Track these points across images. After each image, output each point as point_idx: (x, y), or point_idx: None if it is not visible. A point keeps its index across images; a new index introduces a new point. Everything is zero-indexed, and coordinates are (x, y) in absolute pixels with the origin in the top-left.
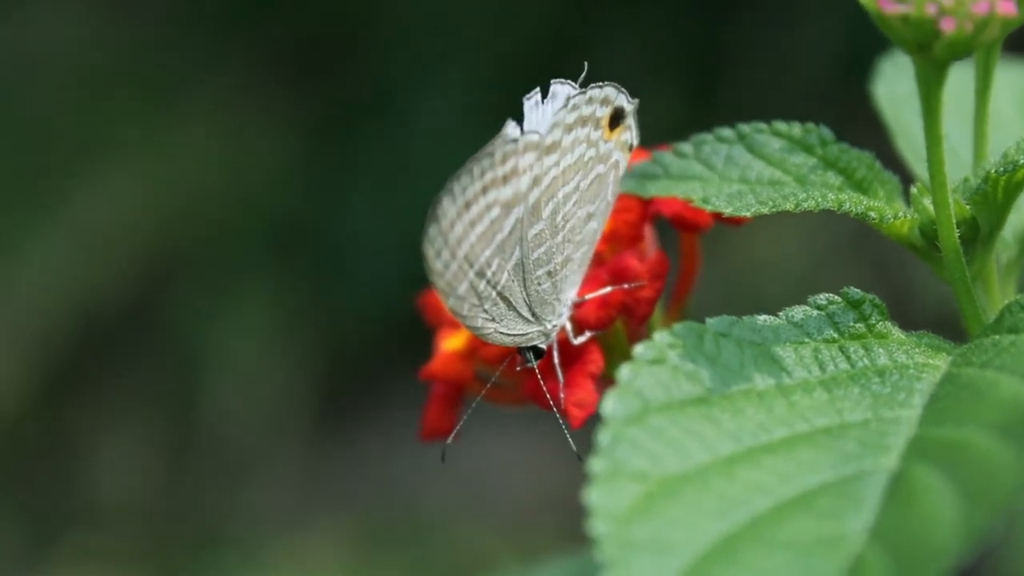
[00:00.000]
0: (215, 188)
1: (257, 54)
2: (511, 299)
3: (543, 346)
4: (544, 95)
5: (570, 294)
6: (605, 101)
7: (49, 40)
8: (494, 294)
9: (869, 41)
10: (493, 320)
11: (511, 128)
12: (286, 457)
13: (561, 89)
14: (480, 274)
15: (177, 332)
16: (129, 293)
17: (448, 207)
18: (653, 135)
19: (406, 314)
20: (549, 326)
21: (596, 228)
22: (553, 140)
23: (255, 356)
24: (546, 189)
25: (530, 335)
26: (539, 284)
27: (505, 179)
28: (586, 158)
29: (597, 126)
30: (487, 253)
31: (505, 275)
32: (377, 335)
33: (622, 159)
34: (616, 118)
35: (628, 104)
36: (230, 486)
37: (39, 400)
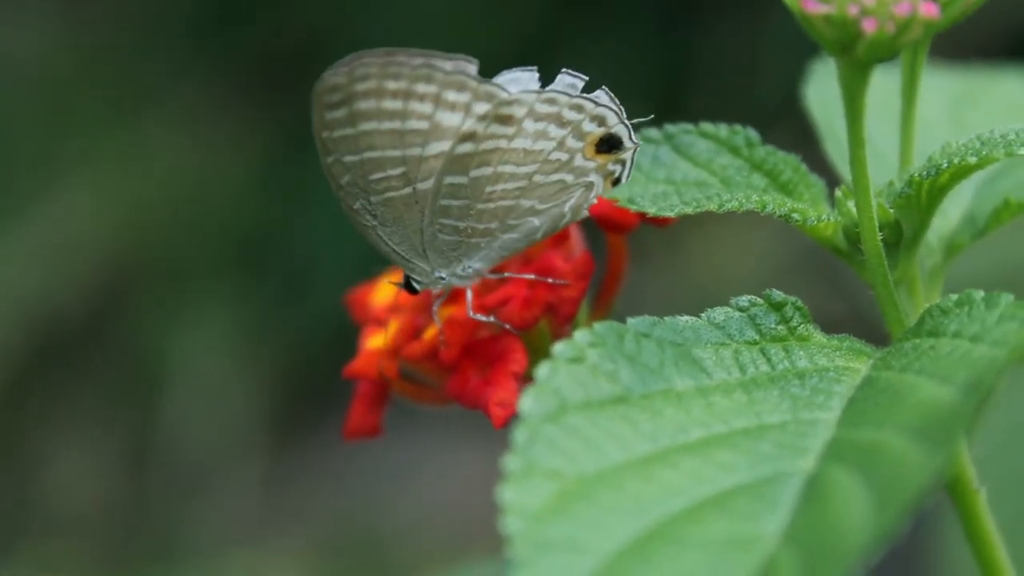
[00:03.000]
0: (177, 200)
1: (222, 66)
2: (400, 217)
3: (417, 286)
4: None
5: (474, 264)
6: (598, 119)
7: (9, 47)
8: (379, 199)
9: None
10: (376, 219)
11: (474, 67)
12: (244, 470)
13: (563, 79)
14: (370, 165)
15: (135, 344)
16: (88, 305)
17: (371, 69)
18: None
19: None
20: (433, 274)
21: (537, 225)
22: (512, 113)
23: (214, 369)
24: (481, 152)
25: (411, 265)
26: (440, 231)
27: (438, 100)
28: (550, 157)
29: (579, 137)
30: (389, 153)
31: (399, 192)
32: (337, 349)
33: (599, 184)
34: (608, 144)
35: (629, 142)
36: (187, 498)
37: None
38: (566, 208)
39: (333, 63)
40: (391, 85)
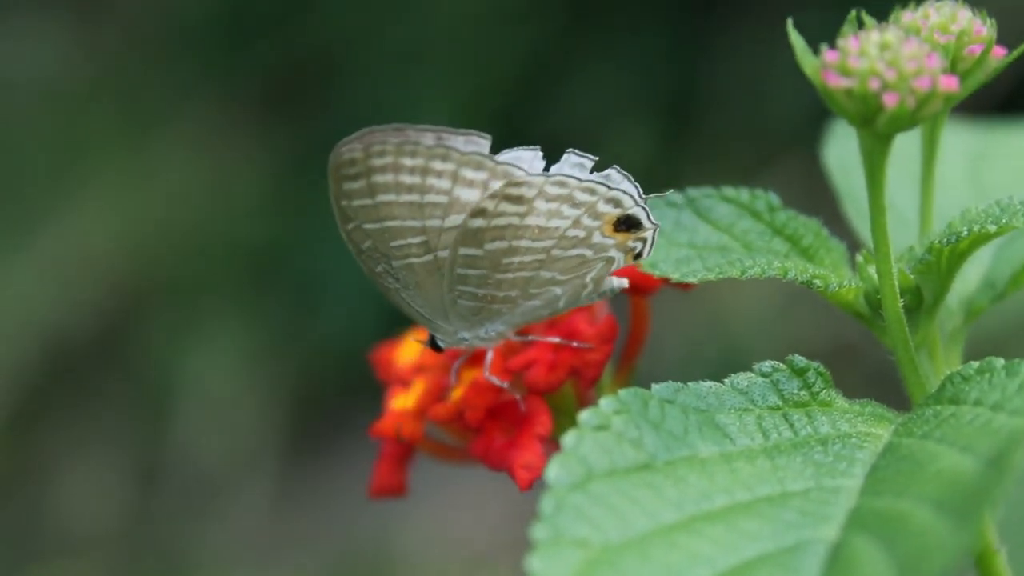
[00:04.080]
0: (189, 218)
1: (233, 84)
2: (422, 282)
3: (442, 344)
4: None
5: (497, 328)
6: (613, 201)
7: (22, 65)
8: (400, 263)
9: None
10: (398, 282)
11: (487, 143)
12: (254, 489)
13: (569, 159)
14: (390, 234)
15: (148, 362)
16: (100, 322)
17: (386, 147)
18: (627, 168)
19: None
20: (456, 335)
21: (559, 294)
22: (521, 194)
23: (225, 387)
24: (493, 227)
25: (434, 325)
26: (460, 297)
27: (455, 177)
28: (567, 234)
29: (595, 217)
30: (409, 223)
31: (420, 259)
32: (350, 368)
33: (619, 259)
34: (627, 224)
35: (648, 223)
36: (197, 517)
37: (7, 429)
38: (587, 280)
39: (345, 138)
40: (408, 162)
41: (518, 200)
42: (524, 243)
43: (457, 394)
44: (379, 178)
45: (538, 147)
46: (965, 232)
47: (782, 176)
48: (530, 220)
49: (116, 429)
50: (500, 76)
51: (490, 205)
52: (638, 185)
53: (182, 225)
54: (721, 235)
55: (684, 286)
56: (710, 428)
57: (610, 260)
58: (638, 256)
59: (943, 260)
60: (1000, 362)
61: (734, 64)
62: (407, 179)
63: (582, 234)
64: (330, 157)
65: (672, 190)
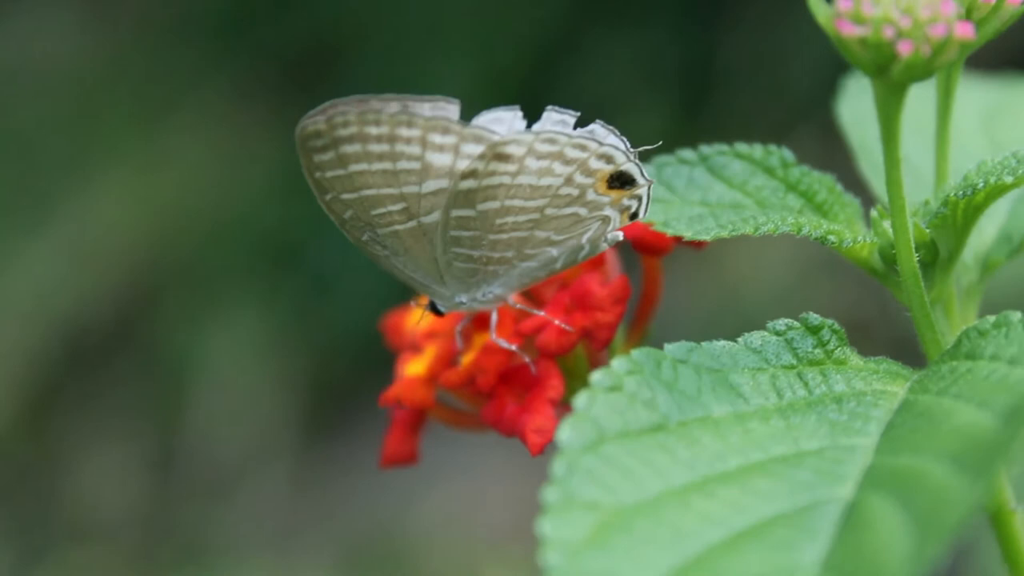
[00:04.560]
0: (204, 203)
1: (245, 70)
2: (411, 248)
3: (442, 308)
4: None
5: (494, 290)
6: (605, 157)
7: (35, 52)
8: (385, 231)
9: None
10: (386, 249)
11: (455, 107)
12: (271, 474)
13: (550, 116)
14: (369, 202)
15: (164, 348)
16: (116, 308)
17: (349, 116)
18: (642, 144)
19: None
20: (454, 299)
21: (555, 255)
22: (510, 152)
23: (242, 372)
24: (484, 187)
25: (431, 290)
26: (455, 259)
27: (424, 142)
28: (560, 192)
29: (588, 174)
30: (385, 191)
31: (403, 225)
32: (364, 352)
33: (616, 218)
34: (620, 180)
35: (642, 180)
36: (215, 502)
37: (24, 416)
38: (583, 240)
39: (309, 111)
40: (373, 131)
41: (508, 159)
42: (517, 202)
43: (468, 359)
44: (347, 148)
45: (517, 107)
46: (981, 184)
47: (798, 144)
48: (522, 179)
49: (133, 415)
50: (515, 53)
51: (480, 165)
52: (625, 139)
53: (197, 210)
54: (734, 192)
55: (697, 244)
56: (724, 388)
57: (606, 219)
58: (634, 216)
59: (959, 213)
60: (1017, 316)
61: (749, 34)
62: (375, 147)
63: (575, 192)
64: (296, 131)
65: (660, 143)
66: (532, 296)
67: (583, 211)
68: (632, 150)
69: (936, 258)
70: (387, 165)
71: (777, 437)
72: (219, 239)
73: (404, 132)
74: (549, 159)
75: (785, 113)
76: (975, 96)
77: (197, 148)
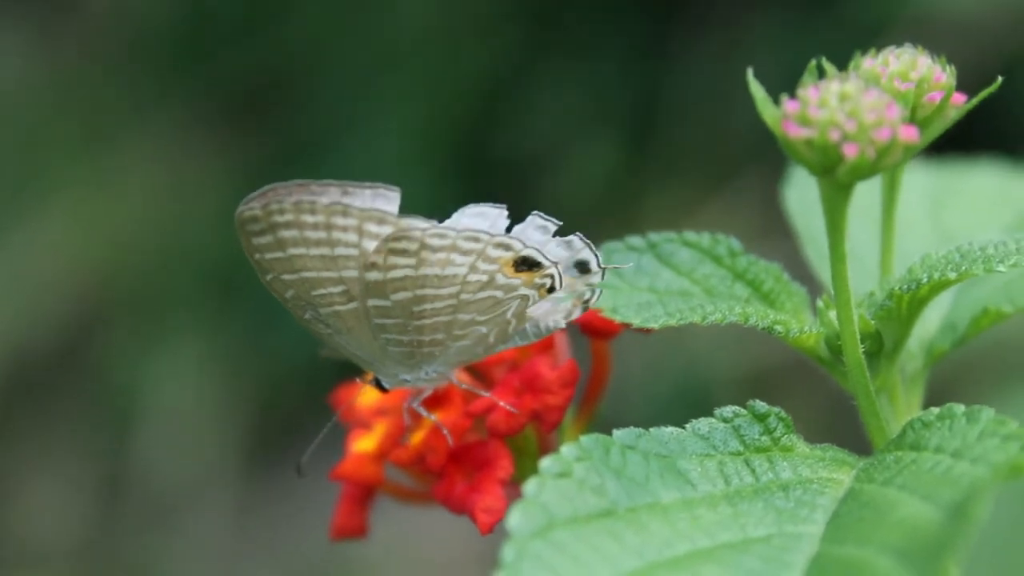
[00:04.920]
0: (153, 231)
1: (196, 94)
2: (352, 328)
3: (386, 385)
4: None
5: (436, 368)
6: (503, 246)
7: None
8: (327, 311)
9: None
10: (329, 328)
11: (395, 196)
12: (216, 501)
13: (533, 223)
14: (310, 284)
15: (110, 374)
16: (62, 335)
17: (284, 204)
18: (589, 182)
19: (339, 363)
20: (398, 377)
21: (485, 332)
22: (404, 248)
23: (189, 400)
24: (391, 280)
25: (375, 367)
26: (388, 343)
27: (360, 231)
28: (469, 279)
29: (490, 261)
30: (325, 274)
31: (344, 307)
32: (311, 382)
33: (534, 296)
34: (527, 265)
35: (547, 262)
36: (161, 529)
37: None
38: (508, 316)
39: (247, 195)
40: (309, 219)
41: (404, 253)
42: (429, 291)
43: (418, 438)
44: (285, 233)
45: (504, 205)
46: (925, 279)
47: (745, 181)
48: (425, 270)
49: (78, 441)
50: (463, 90)
51: (379, 259)
52: (594, 252)
53: (144, 238)
54: (683, 280)
55: (645, 331)
56: (672, 474)
57: (524, 297)
58: (551, 290)
59: (904, 306)
60: (960, 408)
61: (695, 75)
62: (312, 234)
63: (484, 278)
64: (235, 214)
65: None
66: (482, 376)
67: (498, 294)
68: (601, 265)
69: (881, 348)
70: (325, 251)
71: (725, 524)
72: (168, 267)
73: (340, 221)
74: (446, 251)
75: (733, 148)
76: (921, 182)
77: (146, 175)
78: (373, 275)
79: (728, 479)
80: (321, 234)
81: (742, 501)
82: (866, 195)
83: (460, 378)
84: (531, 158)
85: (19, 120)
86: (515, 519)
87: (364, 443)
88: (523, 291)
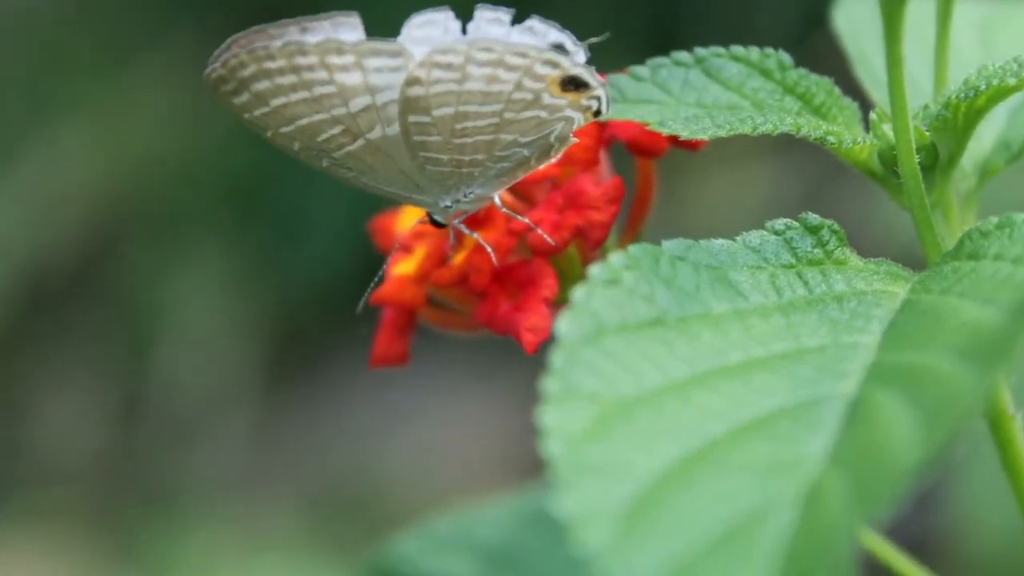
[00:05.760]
0: (169, 149)
1: (211, 11)
2: (373, 165)
3: (439, 218)
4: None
5: (475, 190)
6: (551, 63)
7: None
8: (340, 154)
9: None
10: (351, 170)
11: (351, 22)
12: (236, 419)
13: (483, 15)
14: (309, 131)
15: (127, 293)
16: (79, 254)
17: (242, 58)
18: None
19: (359, 277)
20: (439, 204)
21: (527, 155)
22: (449, 61)
23: (206, 318)
24: (433, 95)
25: (414, 200)
26: (426, 163)
27: (326, 66)
28: (514, 97)
29: (536, 79)
30: (317, 117)
31: (353, 146)
32: (330, 298)
33: (579, 118)
34: (574, 84)
35: (594, 83)
36: (179, 447)
37: None
38: (552, 139)
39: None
40: (272, 65)
41: (448, 67)
42: (472, 108)
43: (460, 258)
44: (257, 86)
45: (447, 7)
46: (983, 86)
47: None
48: (469, 86)
49: (96, 360)
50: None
51: (422, 73)
52: (570, 36)
53: (161, 154)
54: (731, 94)
55: (693, 145)
56: (723, 285)
57: (569, 120)
58: (597, 113)
59: (960, 116)
60: (1020, 216)
61: None
62: (283, 80)
63: (530, 96)
64: (204, 77)
65: (607, 34)
66: (523, 197)
67: (543, 114)
68: (578, 45)
69: (936, 161)
70: (304, 94)
71: (778, 334)
72: (183, 184)
73: (301, 61)
74: (491, 66)
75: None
76: (972, 12)
77: (160, 92)
78: (415, 90)
79: (780, 291)
80: (292, 78)
81: (795, 313)
82: (918, 28)
83: (503, 199)
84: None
85: (35, 38)
86: (564, 325)
87: (405, 266)
88: (568, 112)
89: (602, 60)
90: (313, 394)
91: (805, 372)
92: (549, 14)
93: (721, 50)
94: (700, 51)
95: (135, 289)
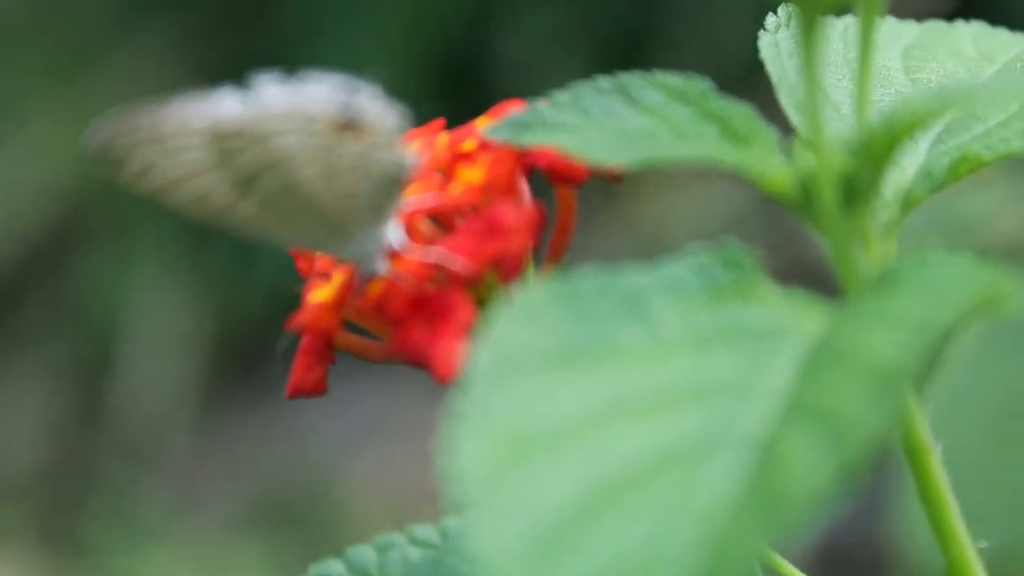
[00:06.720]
0: None
1: (171, 18)
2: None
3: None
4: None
5: (365, 234)
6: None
7: None
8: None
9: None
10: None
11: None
12: (187, 432)
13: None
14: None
15: (77, 304)
16: (36, 260)
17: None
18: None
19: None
20: (347, 253)
21: (375, 193)
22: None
23: (157, 328)
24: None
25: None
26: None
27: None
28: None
29: (313, 135)
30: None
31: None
32: (279, 310)
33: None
34: (350, 125)
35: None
36: (131, 461)
37: None
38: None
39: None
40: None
41: (241, 150)
42: (298, 176)
43: (378, 286)
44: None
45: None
46: (903, 114)
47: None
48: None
49: (48, 369)
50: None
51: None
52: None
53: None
54: (652, 121)
55: (613, 175)
56: (633, 316)
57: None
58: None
59: (881, 144)
60: (934, 251)
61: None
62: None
63: (320, 152)
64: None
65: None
66: (443, 224)
67: (349, 161)
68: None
69: (856, 189)
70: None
71: (687, 369)
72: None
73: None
74: (268, 138)
75: (716, 80)
76: (897, 36)
77: (118, 100)
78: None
79: (692, 323)
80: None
81: (706, 346)
82: (839, 54)
83: (420, 227)
84: (510, 90)
85: None
86: (469, 359)
87: (322, 293)
88: (366, 150)
89: (559, 80)
90: (266, 406)
91: (713, 409)
92: (512, 29)
93: (642, 76)
94: (622, 77)
95: (88, 296)
